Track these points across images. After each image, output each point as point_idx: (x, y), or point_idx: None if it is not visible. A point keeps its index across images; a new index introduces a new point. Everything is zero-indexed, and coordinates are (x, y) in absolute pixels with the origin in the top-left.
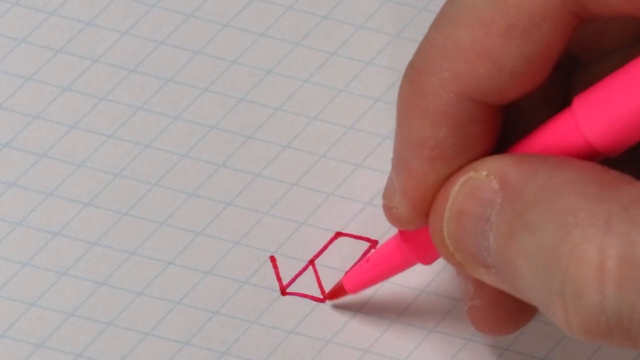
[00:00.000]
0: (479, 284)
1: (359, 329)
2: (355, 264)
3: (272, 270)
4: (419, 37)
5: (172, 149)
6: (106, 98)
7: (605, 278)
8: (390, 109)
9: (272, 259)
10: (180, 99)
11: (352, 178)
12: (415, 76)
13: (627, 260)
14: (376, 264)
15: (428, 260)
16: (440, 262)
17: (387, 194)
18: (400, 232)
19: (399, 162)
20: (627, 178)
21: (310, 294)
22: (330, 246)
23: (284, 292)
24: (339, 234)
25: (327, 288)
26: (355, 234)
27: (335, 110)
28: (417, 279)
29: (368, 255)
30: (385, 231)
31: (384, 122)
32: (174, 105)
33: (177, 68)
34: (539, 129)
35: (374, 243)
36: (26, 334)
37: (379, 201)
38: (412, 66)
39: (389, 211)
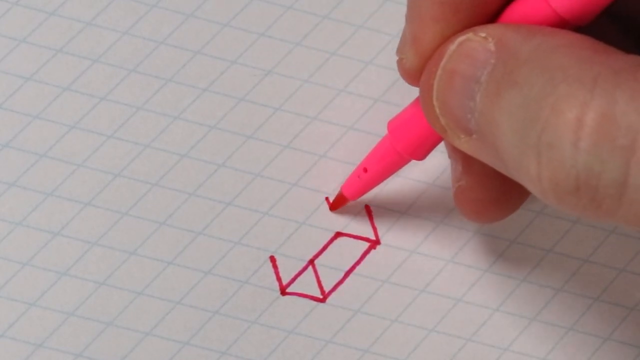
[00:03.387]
0: (468, 163)
1: (359, 329)
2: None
3: (272, 270)
4: None
5: (172, 149)
6: (106, 98)
7: (582, 132)
8: (390, 108)
9: (272, 259)
10: (180, 99)
11: None
12: None
13: (606, 117)
14: (371, 167)
15: (420, 155)
16: (440, 264)
17: (399, 47)
18: (391, 131)
19: (411, 9)
20: (621, 51)
21: (310, 294)
22: (330, 246)
23: (283, 292)
24: (338, 234)
25: (327, 288)
26: (355, 234)
27: (335, 110)
28: (417, 278)
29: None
30: (385, 231)
31: (383, 121)
32: (174, 105)
33: (177, 68)
34: (514, 2)
35: (373, 243)
36: (26, 334)
37: (379, 201)
38: None
39: (400, 63)
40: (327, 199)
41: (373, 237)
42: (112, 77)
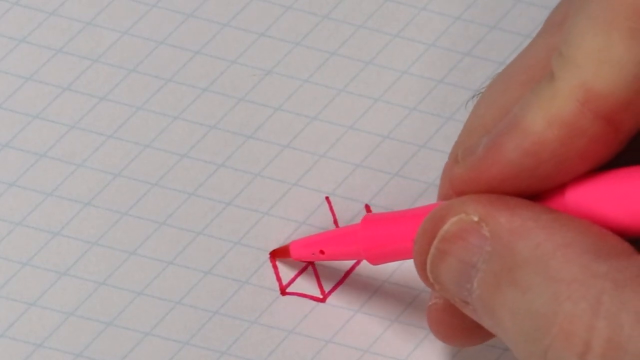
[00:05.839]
0: None
1: (359, 329)
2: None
3: (272, 270)
4: (419, 37)
5: (172, 149)
6: (106, 98)
7: (589, 356)
8: (390, 108)
9: (272, 259)
10: (180, 99)
11: (352, 178)
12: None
13: (612, 343)
14: (326, 242)
15: (375, 262)
16: None
17: (457, 149)
18: (364, 223)
19: (494, 135)
20: (627, 249)
21: (310, 294)
22: None
23: (283, 292)
24: None
25: (327, 288)
26: None
27: (335, 110)
28: (417, 279)
29: (325, 231)
30: None
31: (384, 122)
32: (174, 105)
33: (177, 68)
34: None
35: None
36: (26, 334)
37: (379, 201)
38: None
39: (451, 166)
40: (327, 198)
41: None
42: (112, 77)
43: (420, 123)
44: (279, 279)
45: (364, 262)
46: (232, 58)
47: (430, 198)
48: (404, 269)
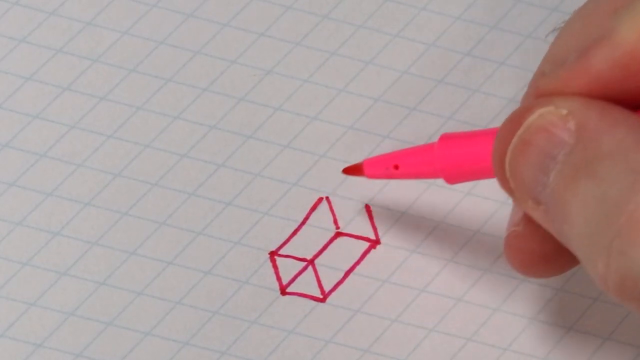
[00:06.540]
0: None
1: (359, 329)
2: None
3: (272, 270)
4: (419, 37)
5: (172, 149)
6: (106, 98)
7: None
8: (390, 108)
9: (272, 259)
10: (180, 99)
11: (351, 178)
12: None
13: None
14: (401, 159)
15: (455, 182)
16: (441, 262)
17: (549, 62)
18: (440, 146)
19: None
20: None
21: (310, 294)
22: (330, 246)
23: (283, 292)
24: (338, 234)
25: (327, 288)
26: (355, 233)
27: (335, 110)
28: (417, 278)
29: (400, 151)
30: (385, 231)
31: (384, 122)
32: (174, 105)
33: (177, 68)
34: None
35: (373, 243)
36: (26, 334)
37: (379, 201)
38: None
39: (537, 80)
40: (327, 198)
41: (373, 237)
42: (112, 77)
43: (420, 123)
44: (279, 279)
45: (364, 261)
46: (232, 58)
47: (431, 198)
48: (404, 269)
